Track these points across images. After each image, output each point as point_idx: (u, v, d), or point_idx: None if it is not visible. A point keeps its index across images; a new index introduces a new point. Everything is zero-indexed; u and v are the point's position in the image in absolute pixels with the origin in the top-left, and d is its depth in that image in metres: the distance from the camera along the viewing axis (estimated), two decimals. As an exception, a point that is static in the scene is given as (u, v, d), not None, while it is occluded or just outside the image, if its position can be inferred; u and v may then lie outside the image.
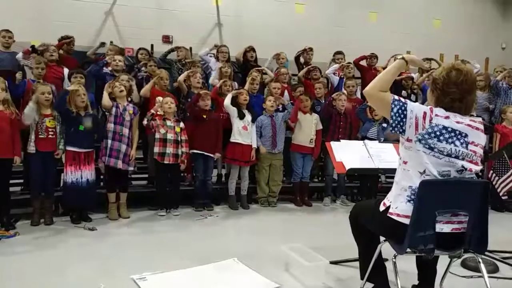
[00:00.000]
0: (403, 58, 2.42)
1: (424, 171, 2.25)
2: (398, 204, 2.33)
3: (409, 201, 2.28)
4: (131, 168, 5.00)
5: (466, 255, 2.54)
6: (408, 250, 2.30)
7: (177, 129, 5.11)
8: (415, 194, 2.24)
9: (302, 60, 7.30)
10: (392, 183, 2.46)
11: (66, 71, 5.60)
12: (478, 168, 2.32)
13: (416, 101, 6.42)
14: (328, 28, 9.28)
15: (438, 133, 2.22)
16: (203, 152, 5.35)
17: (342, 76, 7.03)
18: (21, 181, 5.25)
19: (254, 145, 5.61)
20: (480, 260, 2.41)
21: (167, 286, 3.12)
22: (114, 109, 4.82)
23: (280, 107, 5.92)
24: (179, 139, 5.11)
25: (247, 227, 4.93)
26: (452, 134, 2.23)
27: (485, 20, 10.78)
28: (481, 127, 2.31)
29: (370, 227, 2.63)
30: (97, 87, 5.67)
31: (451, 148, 2.23)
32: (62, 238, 4.19)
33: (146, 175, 5.97)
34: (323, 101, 6.33)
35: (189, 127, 5.35)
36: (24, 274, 3.27)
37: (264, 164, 5.73)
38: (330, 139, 4.91)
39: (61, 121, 4.59)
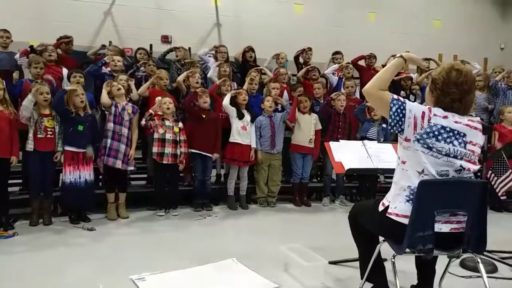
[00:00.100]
0: (401, 56, 2.42)
1: (423, 170, 2.25)
2: (397, 204, 2.33)
3: (408, 201, 2.28)
4: (130, 168, 5.00)
5: (465, 255, 2.54)
6: (407, 250, 2.30)
7: (176, 129, 5.11)
8: (414, 194, 2.25)
9: (301, 60, 7.31)
10: (391, 183, 2.46)
11: (65, 71, 5.60)
12: (476, 167, 2.32)
13: (415, 101, 6.42)
14: (327, 28, 9.28)
15: (436, 132, 2.22)
16: (201, 152, 5.35)
17: (341, 76, 7.03)
18: (20, 181, 5.24)
19: (253, 145, 5.61)
20: (479, 260, 2.41)
21: (166, 286, 3.11)
22: (113, 109, 4.82)
23: (279, 107, 5.93)
24: (177, 139, 5.11)
25: (246, 227, 4.93)
26: (451, 134, 2.23)
27: (484, 20, 10.79)
28: (480, 126, 2.32)
29: (369, 227, 2.63)
30: (95, 87, 5.66)
31: (449, 148, 2.23)
32: (61, 238, 4.19)
33: (145, 175, 5.97)
34: (322, 101, 6.33)
35: (188, 126, 5.35)
36: (22, 274, 3.27)
37: (263, 164, 5.73)
38: (329, 139, 4.91)
39: (60, 121, 4.59)
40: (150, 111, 5.02)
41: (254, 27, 8.71)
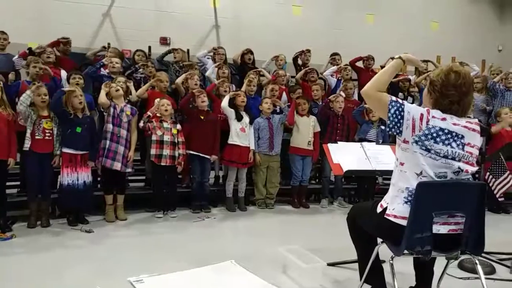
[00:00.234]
0: (400, 57, 2.43)
1: (421, 172, 2.26)
2: (395, 205, 2.33)
3: (406, 202, 2.29)
4: (128, 170, 4.99)
5: (463, 257, 2.54)
6: (405, 251, 2.30)
7: (174, 131, 5.11)
8: (412, 195, 2.25)
9: (300, 61, 7.34)
10: (389, 184, 2.46)
11: (63, 73, 5.60)
12: (474, 169, 2.33)
13: (413, 103, 6.42)
14: (325, 30, 9.31)
15: (434, 134, 2.22)
16: (200, 154, 5.35)
17: (339, 78, 7.04)
18: (18, 183, 5.23)
19: (252, 147, 5.61)
20: (477, 261, 2.42)
21: (164, 288, 3.11)
22: (111, 110, 4.82)
23: (278, 109, 5.93)
24: (176, 141, 5.10)
25: (244, 229, 4.93)
26: (449, 135, 2.24)
27: (482, 22, 10.83)
28: (477, 128, 2.32)
29: (367, 228, 2.63)
30: (94, 89, 5.66)
31: (447, 150, 2.23)
32: (59, 240, 4.18)
33: (143, 177, 5.96)
34: (320, 103, 6.33)
35: (186, 128, 5.35)
36: (20, 276, 3.26)
37: (262, 166, 5.73)
38: (327, 141, 4.91)
39: (58, 123, 4.58)
40: (148, 113, 5.01)
41: (253, 28, 8.73)
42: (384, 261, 2.73)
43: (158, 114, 5.06)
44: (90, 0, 7.86)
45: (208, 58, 6.88)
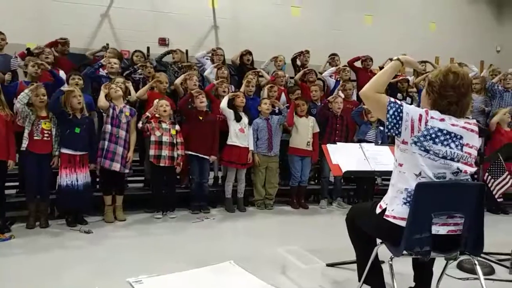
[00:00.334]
0: (398, 59, 2.44)
1: (420, 173, 2.26)
2: (394, 206, 2.33)
3: (405, 203, 2.29)
4: (127, 171, 4.99)
5: (462, 257, 2.54)
6: (405, 252, 2.31)
7: (173, 132, 5.10)
8: (411, 196, 2.25)
9: (298, 62, 7.34)
10: (388, 185, 2.47)
11: (61, 73, 5.58)
12: (473, 169, 2.33)
13: (412, 103, 6.44)
14: (324, 31, 9.32)
15: (433, 135, 2.23)
16: (199, 154, 5.34)
17: (338, 79, 7.05)
18: (17, 183, 5.22)
19: (251, 148, 5.61)
20: (476, 262, 2.42)
21: (163, 289, 3.11)
22: (110, 111, 4.81)
23: (277, 109, 5.93)
24: (174, 141, 5.10)
25: (243, 230, 4.93)
26: (448, 136, 2.24)
27: (480, 23, 10.86)
28: (476, 129, 2.33)
29: (366, 229, 2.63)
30: (92, 89, 5.66)
31: (446, 150, 2.24)
32: (58, 241, 4.17)
33: (143, 178, 5.95)
34: (319, 104, 6.34)
35: (185, 129, 5.35)
36: (19, 277, 3.25)
37: (261, 166, 5.73)
38: (326, 142, 4.91)
39: (56, 123, 4.58)
40: (147, 113, 5.01)
41: (251, 29, 8.74)
42: (383, 262, 2.73)
43: (157, 115, 5.06)
44: (88, 0, 7.85)
45: (207, 59, 6.89)
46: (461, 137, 2.26)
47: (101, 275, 3.30)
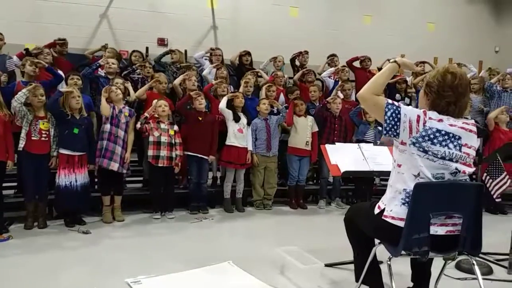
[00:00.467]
0: (395, 61, 2.44)
1: (419, 174, 2.26)
2: (392, 207, 2.34)
3: (403, 203, 2.29)
4: (125, 171, 4.98)
5: (460, 257, 2.55)
6: (403, 252, 2.31)
7: (171, 132, 5.10)
8: (410, 197, 2.25)
9: (297, 63, 7.35)
10: (386, 185, 2.47)
11: (60, 73, 5.56)
12: (472, 170, 2.33)
13: (410, 104, 6.46)
14: (322, 31, 9.31)
15: (432, 136, 2.23)
16: (198, 155, 5.34)
17: (337, 79, 7.05)
18: (15, 184, 5.21)
19: (250, 148, 5.61)
20: (474, 262, 2.43)
21: (161, 289, 3.10)
22: (110, 110, 4.81)
23: (275, 110, 5.93)
24: (173, 141, 5.10)
25: (242, 230, 4.93)
26: (446, 137, 2.24)
27: (479, 23, 10.86)
28: (474, 129, 2.33)
29: (365, 229, 2.63)
30: (91, 90, 5.65)
31: (445, 151, 2.24)
32: (56, 241, 4.16)
33: (141, 178, 5.95)
34: (318, 104, 6.34)
35: (184, 129, 5.34)
36: (17, 277, 3.25)
37: (259, 167, 5.73)
38: (325, 142, 4.92)
39: (55, 124, 4.57)
40: (146, 114, 5.01)
41: (250, 29, 8.73)
42: (381, 262, 2.73)
43: (155, 115, 5.06)
44: (87, 1, 7.84)
45: (205, 59, 6.88)
46: (460, 138, 2.27)
47: (99, 276, 3.29)
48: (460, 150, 2.27)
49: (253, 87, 6.19)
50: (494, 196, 4.70)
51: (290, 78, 7.20)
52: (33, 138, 4.43)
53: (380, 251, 2.55)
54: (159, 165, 5.01)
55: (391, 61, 2.46)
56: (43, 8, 7.59)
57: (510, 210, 6.07)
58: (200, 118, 5.36)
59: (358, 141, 5.42)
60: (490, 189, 4.63)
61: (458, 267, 3.52)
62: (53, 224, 4.68)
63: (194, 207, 5.39)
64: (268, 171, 5.79)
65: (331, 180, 6.20)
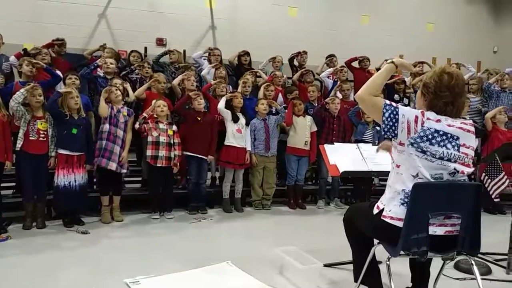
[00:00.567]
0: (392, 62, 2.45)
1: (417, 174, 2.26)
2: (391, 207, 2.34)
3: (402, 204, 2.29)
4: (123, 171, 4.98)
5: (459, 257, 2.55)
6: (402, 252, 2.31)
7: (170, 132, 5.09)
8: (408, 197, 2.25)
9: (296, 63, 7.35)
10: (385, 185, 2.47)
11: (58, 74, 5.56)
12: (470, 170, 2.33)
13: (409, 104, 6.46)
14: (321, 32, 9.32)
15: (430, 136, 2.23)
16: (197, 155, 5.34)
17: (336, 80, 7.06)
18: (13, 184, 5.20)
19: (249, 148, 5.61)
20: (473, 262, 2.43)
21: (160, 289, 3.10)
22: (109, 110, 4.80)
23: (274, 110, 5.93)
24: (171, 142, 5.09)
25: (241, 230, 4.93)
26: (444, 137, 2.25)
27: (478, 24, 10.87)
28: (472, 129, 2.33)
29: (364, 230, 2.64)
30: (89, 90, 5.65)
31: (443, 151, 2.24)
32: (55, 241, 4.16)
33: (140, 178, 5.94)
34: (316, 104, 6.34)
35: (183, 129, 5.34)
36: (16, 278, 3.24)
37: (258, 167, 5.73)
38: (323, 142, 4.92)
39: (53, 124, 4.56)
40: (144, 114, 5.00)
41: (249, 29, 8.73)
42: (380, 262, 2.73)
43: (154, 115, 5.05)
44: (86, 0, 7.83)
45: (204, 59, 6.88)
46: (458, 138, 2.27)
47: (98, 276, 3.29)
48: (458, 150, 2.27)
49: (252, 87, 6.18)
50: (493, 196, 4.70)
51: (289, 78, 7.20)
52: (31, 138, 4.42)
53: (379, 251, 2.55)
54: (158, 165, 5.01)
55: (388, 61, 2.46)
56: (44, 8, 7.58)
57: (509, 210, 6.05)
58: (199, 118, 5.36)
59: (357, 141, 5.43)
60: (488, 189, 4.63)
61: (457, 267, 3.52)
62: (51, 224, 4.67)
63: (193, 207, 5.38)
64: (267, 171, 5.79)
65: (330, 180, 6.20)
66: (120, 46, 7.81)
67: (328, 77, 7.17)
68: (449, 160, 2.26)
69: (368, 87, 2.37)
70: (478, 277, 2.39)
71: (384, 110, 2.27)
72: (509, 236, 3.51)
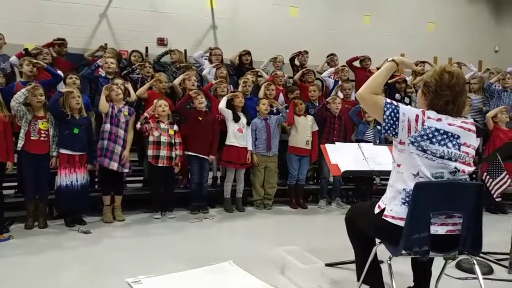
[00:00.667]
0: (393, 60, 2.45)
1: (418, 173, 2.26)
2: (392, 206, 2.34)
3: (403, 203, 2.29)
4: (125, 170, 4.98)
5: (460, 257, 2.55)
6: (403, 252, 2.31)
7: (171, 132, 5.10)
8: (410, 196, 2.25)
9: (297, 62, 7.35)
10: (386, 185, 2.47)
11: (59, 73, 5.56)
12: (471, 169, 2.33)
13: (410, 104, 6.46)
14: (322, 31, 9.31)
15: (430, 135, 2.23)
16: (198, 154, 5.34)
17: (337, 79, 7.06)
18: (15, 184, 5.21)
19: (250, 148, 5.61)
20: (475, 261, 2.43)
21: (162, 289, 3.10)
22: (110, 110, 4.81)
23: (275, 109, 5.93)
24: (173, 141, 5.10)
25: (242, 230, 4.93)
26: (445, 136, 2.24)
27: (479, 23, 10.86)
28: (473, 128, 2.33)
29: (365, 229, 2.63)
30: (91, 90, 5.65)
31: (443, 150, 2.24)
32: (56, 241, 4.17)
33: (141, 178, 5.95)
34: (317, 104, 6.34)
35: (185, 129, 5.34)
36: (17, 277, 3.25)
37: (259, 166, 5.73)
38: (325, 142, 4.91)
39: (54, 124, 4.57)
40: (145, 114, 5.01)
41: (250, 29, 8.73)
42: (382, 262, 2.73)
43: (155, 115, 5.05)
44: (87, 0, 7.83)
45: (205, 59, 6.88)
46: (458, 137, 2.27)
47: (99, 276, 3.30)
48: (459, 149, 2.27)
49: (253, 86, 6.18)
50: (494, 196, 4.70)
51: (290, 77, 7.20)
52: (32, 138, 4.43)
53: (381, 250, 2.55)
54: (159, 165, 5.01)
55: (389, 60, 2.46)
56: (45, 8, 7.59)
57: (511, 209, 6.08)
58: (200, 118, 5.36)
59: (358, 141, 5.42)
60: (490, 188, 4.63)
61: (459, 266, 3.52)
62: (53, 224, 4.68)
63: (195, 207, 5.39)
64: (268, 170, 5.79)
65: (331, 180, 6.20)
66: (121, 46, 7.82)
67: (329, 76, 7.16)
68: (449, 159, 2.26)
69: (368, 85, 2.37)
70: (480, 276, 2.38)
71: (385, 109, 2.27)
72: (510, 236, 3.50)
